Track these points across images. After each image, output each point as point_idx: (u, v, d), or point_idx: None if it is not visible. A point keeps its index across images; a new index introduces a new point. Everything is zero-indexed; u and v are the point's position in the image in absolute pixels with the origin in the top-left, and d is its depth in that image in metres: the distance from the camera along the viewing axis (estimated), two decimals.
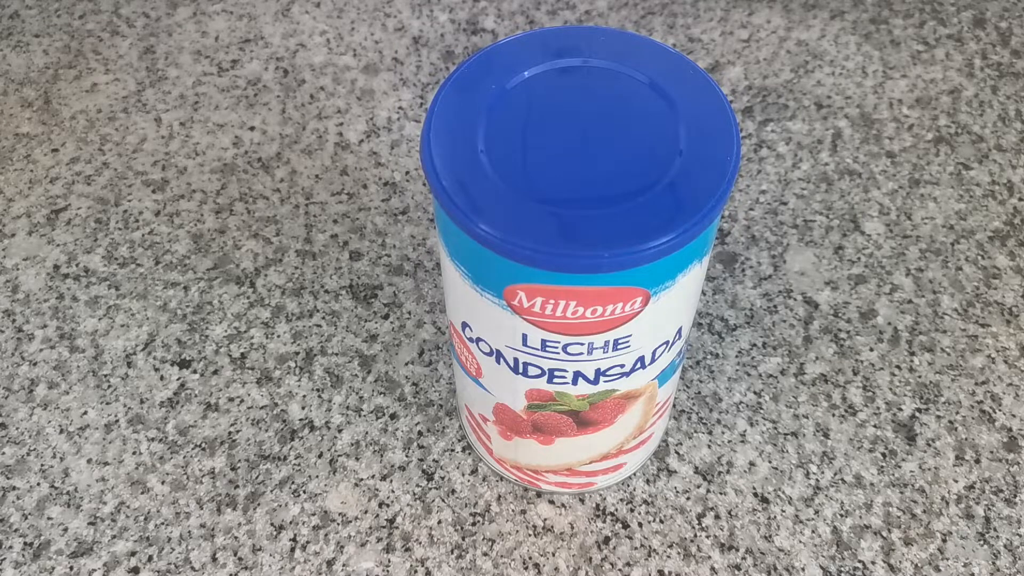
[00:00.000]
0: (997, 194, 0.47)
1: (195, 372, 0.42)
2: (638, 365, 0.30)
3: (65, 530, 0.38)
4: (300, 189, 0.48)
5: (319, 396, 0.41)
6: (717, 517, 0.38)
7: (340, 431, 0.40)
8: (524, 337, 0.28)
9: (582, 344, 0.28)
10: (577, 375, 0.30)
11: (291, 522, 0.38)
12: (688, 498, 0.38)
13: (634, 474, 0.39)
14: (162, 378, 0.42)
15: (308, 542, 0.37)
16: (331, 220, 0.47)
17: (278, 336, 0.43)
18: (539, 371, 0.30)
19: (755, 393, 0.41)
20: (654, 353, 0.30)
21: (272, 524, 0.38)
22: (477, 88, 0.28)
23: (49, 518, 0.38)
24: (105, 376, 0.42)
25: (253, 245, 0.46)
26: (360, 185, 0.48)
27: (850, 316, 0.43)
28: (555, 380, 0.30)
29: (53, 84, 0.53)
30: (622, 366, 0.30)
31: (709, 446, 0.40)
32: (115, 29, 0.56)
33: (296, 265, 0.45)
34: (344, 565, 0.37)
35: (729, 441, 0.40)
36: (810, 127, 0.50)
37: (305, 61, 0.54)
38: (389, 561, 0.37)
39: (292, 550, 0.37)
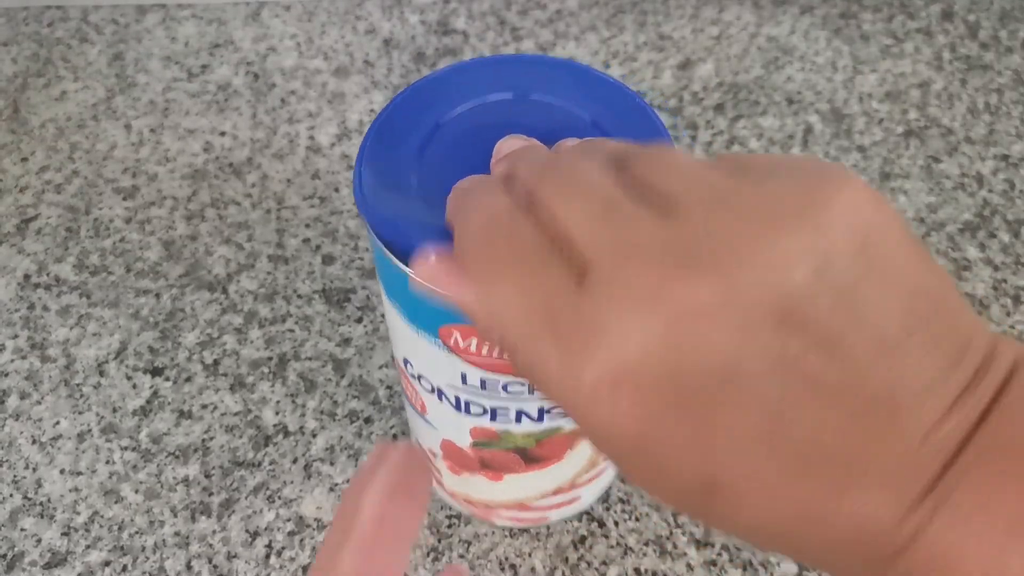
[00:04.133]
0: (967, 186, 0.48)
1: (168, 380, 0.42)
2: None
3: (39, 541, 0.38)
4: (272, 194, 0.48)
5: (293, 401, 0.41)
6: None
7: (314, 436, 0.40)
8: (463, 376, 0.27)
9: (523, 384, 0.27)
10: (520, 413, 0.29)
11: (266, 528, 0.38)
12: None
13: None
14: (134, 386, 0.42)
15: (283, 548, 0.37)
16: (303, 224, 0.46)
17: (251, 342, 0.43)
18: (481, 409, 0.29)
19: None
20: None
21: (247, 531, 0.38)
22: (410, 124, 0.27)
23: (23, 529, 0.38)
24: (77, 385, 0.42)
25: (225, 251, 0.46)
26: (332, 189, 0.48)
27: None
28: (498, 418, 0.29)
29: (22, 93, 0.53)
30: None
31: None
32: (84, 36, 0.55)
33: (268, 270, 0.45)
34: None
35: None
36: (781, 123, 0.50)
37: (275, 65, 0.53)
38: None
39: (267, 556, 0.37)
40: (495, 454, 0.32)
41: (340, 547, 0.21)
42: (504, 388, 0.27)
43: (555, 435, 0.30)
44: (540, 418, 0.29)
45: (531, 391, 0.28)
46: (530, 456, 0.32)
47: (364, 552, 0.21)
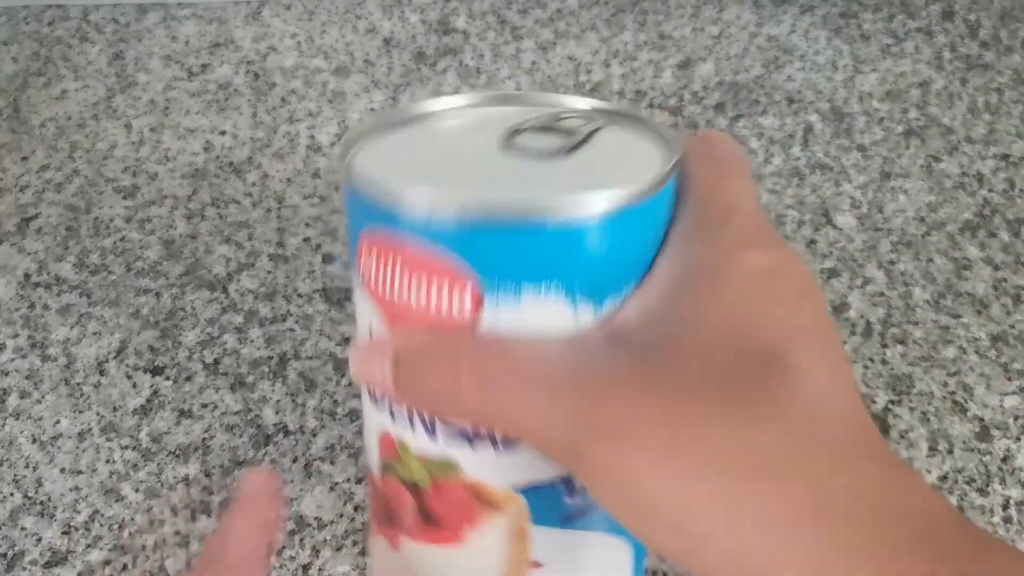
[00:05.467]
0: (967, 186, 0.48)
1: (168, 379, 0.42)
2: (484, 439, 0.24)
3: (39, 540, 0.38)
4: (272, 193, 0.48)
5: (293, 400, 0.41)
6: None
7: (315, 435, 0.40)
8: (371, 329, 0.24)
9: None
10: (412, 412, 0.24)
11: None
12: None
13: None
14: (135, 385, 0.42)
15: (283, 547, 0.37)
16: (303, 223, 0.47)
17: (251, 341, 0.43)
18: (382, 394, 0.25)
19: None
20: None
21: None
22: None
23: (23, 528, 0.38)
24: (77, 384, 0.42)
25: (225, 250, 0.46)
26: (332, 188, 0.48)
27: None
28: (397, 420, 0.24)
29: (22, 91, 0.53)
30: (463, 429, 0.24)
31: None
32: (84, 35, 0.55)
33: (269, 269, 0.45)
34: (320, 569, 0.37)
35: None
36: (781, 122, 0.50)
37: (276, 64, 0.53)
38: (365, 564, 0.37)
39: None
40: (395, 488, 0.26)
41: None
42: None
43: (451, 478, 0.25)
44: (433, 430, 0.24)
45: None
46: (426, 508, 0.25)
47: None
